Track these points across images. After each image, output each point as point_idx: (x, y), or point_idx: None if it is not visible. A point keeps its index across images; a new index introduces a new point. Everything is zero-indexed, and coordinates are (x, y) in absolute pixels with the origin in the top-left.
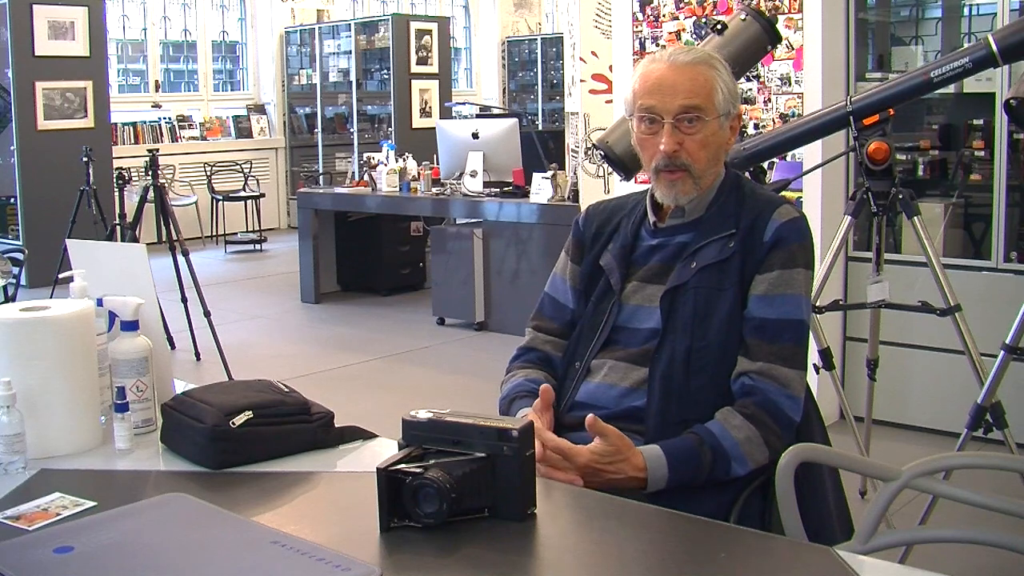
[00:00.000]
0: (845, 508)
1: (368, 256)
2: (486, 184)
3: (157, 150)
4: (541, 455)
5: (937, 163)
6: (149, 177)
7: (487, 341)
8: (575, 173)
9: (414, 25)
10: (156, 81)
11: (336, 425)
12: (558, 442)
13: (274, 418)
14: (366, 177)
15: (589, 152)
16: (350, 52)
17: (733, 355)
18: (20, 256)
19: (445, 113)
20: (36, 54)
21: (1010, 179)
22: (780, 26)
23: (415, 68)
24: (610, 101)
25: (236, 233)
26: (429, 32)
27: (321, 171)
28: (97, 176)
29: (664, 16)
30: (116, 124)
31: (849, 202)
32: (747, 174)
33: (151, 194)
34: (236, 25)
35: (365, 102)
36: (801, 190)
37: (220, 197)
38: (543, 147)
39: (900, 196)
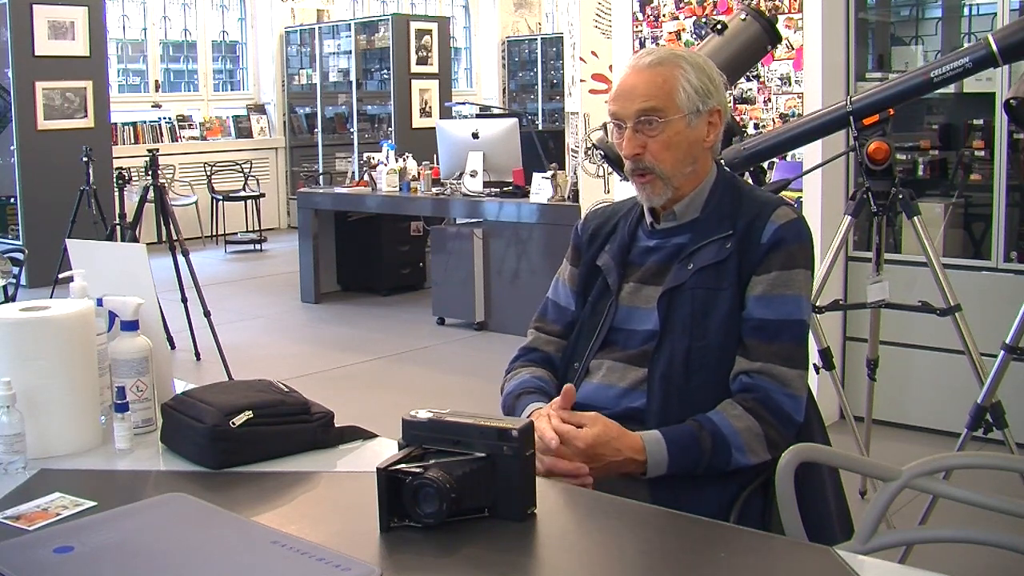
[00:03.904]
0: (845, 508)
1: (368, 256)
2: (486, 184)
3: (157, 150)
4: (544, 448)
5: (937, 163)
6: (149, 177)
7: (487, 341)
8: (575, 173)
9: (414, 25)
10: (156, 81)
11: (336, 425)
12: (559, 427)
13: (274, 418)
14: (366, 177)
15: (589, 152)
16: (350, 52)
17: (732, 355)
18: (20, 256)
19: (445, 113)
20: (36, 54)
21: (1010, 179)
22: (780, 26)
23: (415, 68)
24: None
25: (236, 233)
26: (429, 32)
27: (321, 171)
28: (97, 176)
29: (664, 16)
30: (116, 124)
31: (849, 202)
32: (747, 174)
33: (151, 194)
34: (236, 25)
35: (365, 102)
36: (801, 190)
37: (220, 197)
38: (543, 147)
39: (900, 196)
